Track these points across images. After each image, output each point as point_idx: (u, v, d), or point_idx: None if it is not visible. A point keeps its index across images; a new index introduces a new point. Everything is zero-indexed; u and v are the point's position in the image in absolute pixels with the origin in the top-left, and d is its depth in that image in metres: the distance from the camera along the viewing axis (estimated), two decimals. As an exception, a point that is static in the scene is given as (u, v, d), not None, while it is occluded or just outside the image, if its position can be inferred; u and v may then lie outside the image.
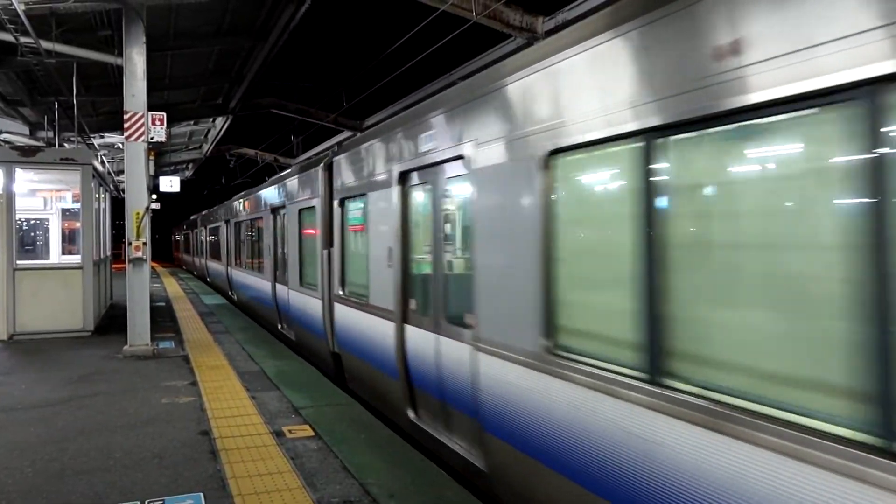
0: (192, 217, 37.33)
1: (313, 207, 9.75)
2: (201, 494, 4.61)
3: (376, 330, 7.04)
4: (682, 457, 2.95)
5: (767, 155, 2.87)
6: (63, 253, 15.70)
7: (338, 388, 7.88)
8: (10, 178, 11.47)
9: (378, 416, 6.92)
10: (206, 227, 27.68)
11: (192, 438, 5.89)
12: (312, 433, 6.04)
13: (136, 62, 9.94)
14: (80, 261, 12.10)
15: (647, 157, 3.28)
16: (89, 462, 5.29)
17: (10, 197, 11.41)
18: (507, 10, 11.07)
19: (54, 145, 15.28)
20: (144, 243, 10.00)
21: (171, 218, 57.60)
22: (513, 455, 4.45)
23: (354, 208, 8.13)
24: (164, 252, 62.80)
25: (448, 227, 5.72)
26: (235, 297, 19.09)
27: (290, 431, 6.09)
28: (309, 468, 5.13)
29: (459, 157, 5.22)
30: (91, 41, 11.20)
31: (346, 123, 21.02)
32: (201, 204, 41.09)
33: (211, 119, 21.24)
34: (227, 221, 20.54)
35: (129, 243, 9.90)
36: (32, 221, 16.38)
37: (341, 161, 8.57)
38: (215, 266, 24.13)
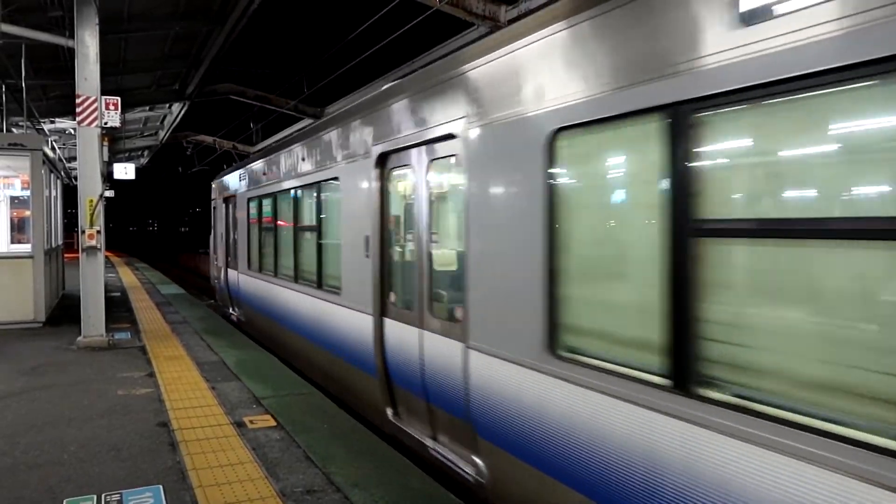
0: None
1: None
2: (160, 487, 4.53)
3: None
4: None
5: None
6: (12, 242, 15.18)
7: (300, 378, 7.81)
8: (-46, 164, 11.04)
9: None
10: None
11: (150, 430, 5.78)
12: (274, 423, 5.98)
13: (88, 44, 9.63)
14: (30, 250, 11.72)
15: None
16: (42, 456, 5.14)
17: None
18: (471, -2, 11.01)
19: (1, 130, 14.75)
20: (98, 231, 9.74)
21: (126, 206, 56.09)
22: (329, 357, 7.70)
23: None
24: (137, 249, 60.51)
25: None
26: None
27: (251, 422, 6.02)
28: (271, 458, 5.08)
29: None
30: (41, 22, 10.78)
31: (306, 111, 20.71)
32: (158, 192, 40.02)
33: (167, 105, 20.73)
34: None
35: (83, 232, 9.63)
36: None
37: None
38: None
